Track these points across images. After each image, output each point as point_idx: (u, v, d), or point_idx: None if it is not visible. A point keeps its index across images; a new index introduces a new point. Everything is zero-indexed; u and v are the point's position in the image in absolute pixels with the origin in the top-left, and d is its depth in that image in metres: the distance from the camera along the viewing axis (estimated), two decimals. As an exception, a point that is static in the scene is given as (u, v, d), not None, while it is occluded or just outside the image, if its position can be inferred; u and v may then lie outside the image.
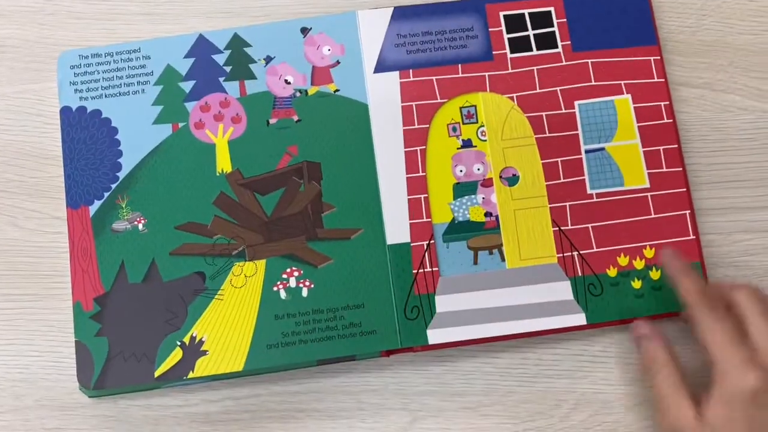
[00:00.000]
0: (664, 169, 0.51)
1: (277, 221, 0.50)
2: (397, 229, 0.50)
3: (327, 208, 0.50)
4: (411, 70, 0.52)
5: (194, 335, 0.48)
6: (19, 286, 0.50)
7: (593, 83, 0.52)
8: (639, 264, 0.50)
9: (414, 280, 0.49)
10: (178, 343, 0.48)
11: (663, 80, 0.53)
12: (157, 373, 0.47)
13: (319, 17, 0.53)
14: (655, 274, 0.49)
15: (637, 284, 0.49)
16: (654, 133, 0.52)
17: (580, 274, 0.50)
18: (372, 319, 0.48)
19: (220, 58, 0.52)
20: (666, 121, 0.52)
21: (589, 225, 0.50)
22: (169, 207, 0.50)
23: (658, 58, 0.53)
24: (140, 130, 0.51)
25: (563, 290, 0.49)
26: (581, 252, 0.50)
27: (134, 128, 0.51)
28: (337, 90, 0.52)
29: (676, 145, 0.52)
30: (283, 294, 0.49)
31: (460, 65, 0.52)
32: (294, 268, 0.49)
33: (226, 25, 0.54)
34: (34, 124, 0.53)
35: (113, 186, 0.50)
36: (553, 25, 0.53)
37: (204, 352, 0.48)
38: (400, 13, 0.53)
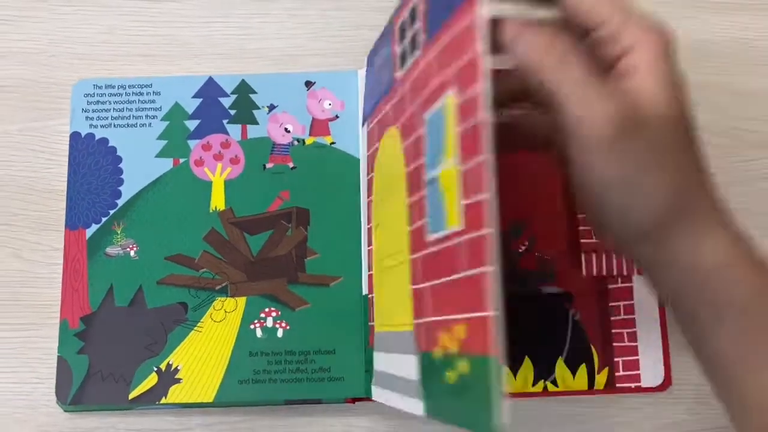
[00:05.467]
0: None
1: (262, 261, 0.52)
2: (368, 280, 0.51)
3: (311, 253, 0.52)
4: (374, 119, 0.49)
5: (171, 363, 0.50)
6: (22, 316, 0.52)
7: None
8: (452, 345, 0.32)
9: (370, 332, 0.49)
10: (155, 369, 0.50)
11: None
12: (131, 396, 0.49)
13: (324, 73, 0.55)
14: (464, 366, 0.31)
15: (451, 376, 0.33)
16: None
17: (424, 349, 0.37)
18: (341, 366, 0.50)
19: (227, 101, 0.55)
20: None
21: (428, 283, 0.36)
22: (161, 237, 0.52)
23: None
24: (143, 161, 0.54)
25: (410, 366, 0.39)
26: (419, 320, 0.37)
27: (137, 159, 0.54)
28: (333, 142, 0.54)
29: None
30: (259, 332, 0.51)
31: (389, 103, 0.45)
32: (272, 308, 0.51)
33: (236, 70, 0.56)
34: (37, 160, 0.55)
35: (111, 212, 0.53)
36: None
37: (178, 380, 0.50)
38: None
